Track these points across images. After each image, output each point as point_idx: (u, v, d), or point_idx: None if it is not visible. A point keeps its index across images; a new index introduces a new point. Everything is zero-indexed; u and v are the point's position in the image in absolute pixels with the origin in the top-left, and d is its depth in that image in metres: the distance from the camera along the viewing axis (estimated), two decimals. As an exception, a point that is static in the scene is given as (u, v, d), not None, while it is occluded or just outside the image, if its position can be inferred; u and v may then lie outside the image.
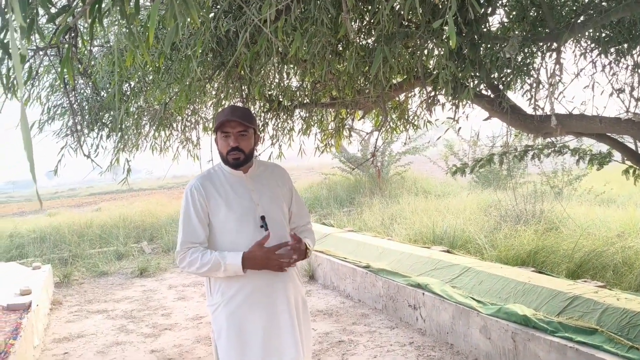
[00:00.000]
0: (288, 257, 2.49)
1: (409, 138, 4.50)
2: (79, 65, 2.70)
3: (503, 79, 3.32)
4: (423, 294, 4.89)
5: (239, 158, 2.50)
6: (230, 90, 3.13)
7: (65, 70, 1.39)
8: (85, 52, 2.88)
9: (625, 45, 3.26)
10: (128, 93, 3.26)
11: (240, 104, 3.55)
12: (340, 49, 3.33)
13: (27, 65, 2.06)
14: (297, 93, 3.96)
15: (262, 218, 2.51)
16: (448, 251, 6.17)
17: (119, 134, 3.71)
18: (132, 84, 3.38)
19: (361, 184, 13.51)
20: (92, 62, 2.81)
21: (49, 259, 9.53)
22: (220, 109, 3.09)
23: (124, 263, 9.72)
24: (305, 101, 3.98)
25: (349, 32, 2.19)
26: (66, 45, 1.66)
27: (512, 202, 7.88)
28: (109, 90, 3.17)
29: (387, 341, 4.77)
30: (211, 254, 2.45)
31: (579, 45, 3.48)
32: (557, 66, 2.94)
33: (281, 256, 2.47)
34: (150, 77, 2.93)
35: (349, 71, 2.90)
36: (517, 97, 3.52)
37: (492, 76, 3.23)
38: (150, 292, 7.56)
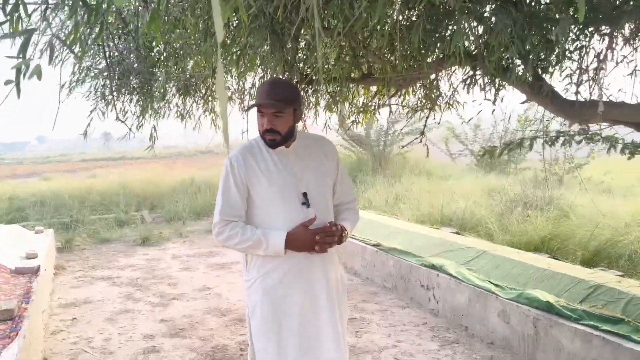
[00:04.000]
0: (330, 240, 2.38)
1: (440, 119, 4.39)
2: (122, 25, 2.60)
3: (545, 63, 3.25)
4: (437, 275, 4.87)
5: (274, 139, 2.37)
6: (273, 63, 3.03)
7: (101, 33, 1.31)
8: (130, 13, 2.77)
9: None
10: (162, 58, 3.16)
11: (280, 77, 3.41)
12: (376, 22, 3.24)
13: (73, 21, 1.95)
14: (327, 67, 3.87)
15: (304, 195, 2.39)
16: (458, 233, 6.16)
17: (145, 98, 3.61)
18: (165, 48, 3.27)
19: (363, 163, 13.46)
20: (135, 24, 2.70)
21: (50, 224, 9.43)
22: (261, 82, 2.92)
23: (126, 231, 9.64)
24: (334, 76, 3.89)
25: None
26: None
27: (515, 187, 7.88)
28: (150, 53, 3.07)
29: (399, 320, 4.77)
30: (252, 231, 2.37)
31: (621, 32, 3.41)
32: (608, 51, 2.87)
33: (324, 239, 2.35)
34: (192, 43, 2.83)
35: (384, 46, 2.81)
36: (554, 82, 3.45)
37: (538, 58, 3.16)
38: (154, 261, 7.51)
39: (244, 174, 2.41)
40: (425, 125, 3.69)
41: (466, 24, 2.97)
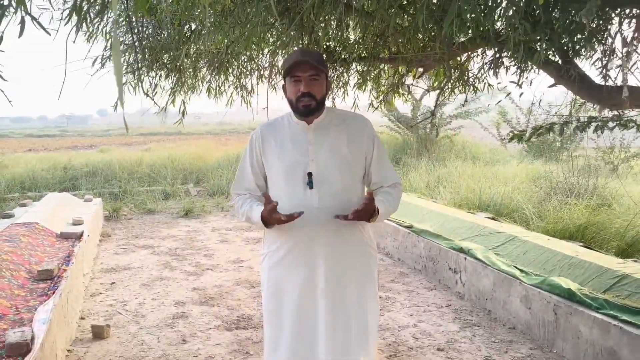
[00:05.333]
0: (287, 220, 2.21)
1: (466, 101, 4.39)
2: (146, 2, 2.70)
3: (574, 45, 3.16)
4: (465, 258, 4.86)
5: (310, 105, 2.26)
6: (291, 39, 3.08)
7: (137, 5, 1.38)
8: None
9: None
10: (189, 35, 3.26)
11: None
12: (405, 2, 3.24)
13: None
14: (356, 46, 3.88)
15: (309, 175, 2.29)
16: (493, 218, 6.08)
17: (177, 74, 3.74)
18: (194, 25, 3.37)
19: (409, 145, 13.36)
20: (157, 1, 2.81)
21: (100, 193, 9.88)
22: (287, 55, 2.82)
23: (171, 203, 10.00)
24: (363, 55, 3.91)
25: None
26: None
27: (564, 174, 7.67)
28: (171, 31, 3.18)
29: (424, 301, 4.79)
30: (244, 205, 2.38)
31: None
32: (636, 34, 2.78)
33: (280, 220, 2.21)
34: (212, 20, 2.91)
35: (415, 26, 2.80)
36: (585, 65, 3.35)
37: (563, 41, 3.08)
38: (194, 232, 7.78)
39: (260, 149, 2.41)
40: (436, 105, 3.65)
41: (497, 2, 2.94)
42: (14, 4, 1.55)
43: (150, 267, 5.97)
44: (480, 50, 3.76)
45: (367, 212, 2.25)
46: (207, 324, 4.30)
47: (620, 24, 3.04)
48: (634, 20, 2.82)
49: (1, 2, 1.54)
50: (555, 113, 11.45)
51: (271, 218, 2.23)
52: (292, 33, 2.90)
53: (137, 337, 4.04)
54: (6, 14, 1.64)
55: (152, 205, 9.54)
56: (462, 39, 3.48)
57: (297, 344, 2.32)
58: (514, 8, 2.67)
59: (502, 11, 2.79)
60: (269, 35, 3.40)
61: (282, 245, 2.37)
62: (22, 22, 1.57)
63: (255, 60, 4.15)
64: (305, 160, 2.32)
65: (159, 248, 6.83)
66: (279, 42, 3.32)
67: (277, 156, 2.36)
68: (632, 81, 3.17)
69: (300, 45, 3.22)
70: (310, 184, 2.28)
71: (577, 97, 3.53)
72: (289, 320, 2.34)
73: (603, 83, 3.17)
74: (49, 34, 1.62)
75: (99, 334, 4.02)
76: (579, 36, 3.08)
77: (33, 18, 1.56)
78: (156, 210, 9.44)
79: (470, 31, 3.22)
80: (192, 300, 4.86)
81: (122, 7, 3.18)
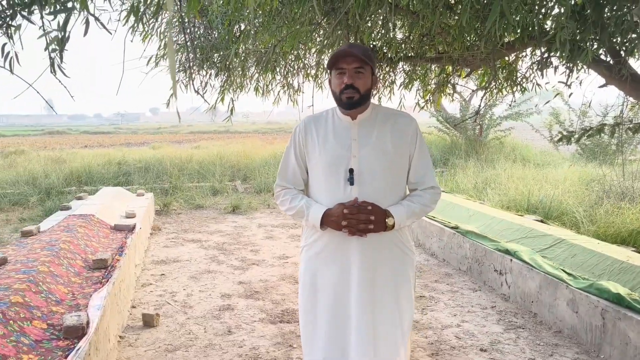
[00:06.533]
0: (364, 218, 2.21)
1: (514, 101, 4.34)
2: (198, 3, 2.81)
3: (626, 44, 3.10)
4: (511, 260, 4.80)
5: (353, 97, 2.23)
6: (337, 38, 3.13)
7: (191, 6, 1.46)
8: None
9: None
10: (238, 34, 3.36)
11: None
12: (453, 2, 3.24)
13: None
14: (403, 45, 3.90)
15: (351, 171, 2.26)
16: (542, 221, 5.98)
17: (226, 73, 3.85)
18: (243, 26, 3.47)
19: (457, 146, 13.21)
20: (209, 1, 2.91)
21: (151, 188, 10.21)
22: (331, 52, 2.84)
23: (218, 199, 10.23)
24: (410, 54, 3.92)
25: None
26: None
27: (617, 177, 7.45)
28: (221, 30, 3.29)
29: (468, 302, 4.76)
30: (300, 200, 2.36)
31: None
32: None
33: (357, 217, 2.21)
34: (260, 20, 2.99)
35: (460, 25, 2.80)
36: (639, 65, 3.28)
37: (614, 40, 3.02)
38: (241, 228, 7.94)
39: (303, 142, 2.40)
40: (480, 106, 3.62)
41: (544, 3, 2.91)
42: (77, 5, 1.66)
43: (198, 260, 6.14)
44: (529, 50, 3.72)
45: (378, 218, 2.24)
46: (252, 316, 4.40)
47: (676, 22, 2.97)
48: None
49: (66, 4, 1.65)
50: (606, 114, 11.12)
51: (338, 209, 2.23)
52: (338, 32, 2.95)
53: (185, 327, 4.18)
54: (73, 14, 1.75)
55: (200, 200, 9.80)
56: (509, 39, 3.45)
57: (330, 343, 2.31)
58: (562, 7, 2.64)
59: (549, 10, 2.75)
60: (316, 34, 3.46)
61: (319, 239, 2.36)
62: (87, 23, 1.68)
63: (302, 59, 4.23)
64: (348, 156, 2.28)
65: (206, 242, 7.01)
66: (325, 42, 3.37)
67: (319, 150, 2.34)
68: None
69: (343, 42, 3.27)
70: (350, 180, 2.26)
71: (630, 98, 3.44)
72: (323, 316, 2.33)
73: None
74: (111, 33, 1.73)
75: (149, 322, 4.18)
76: (631, 35, 3.01)
77: (96, 18, 1.67)
78: (205, 205, 9.69)
79: (516, 30, 3.20)
80: (237, 293, 4.98)
81: (176, 8, 3.31)
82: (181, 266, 5.89)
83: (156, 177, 11.21)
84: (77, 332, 2.86)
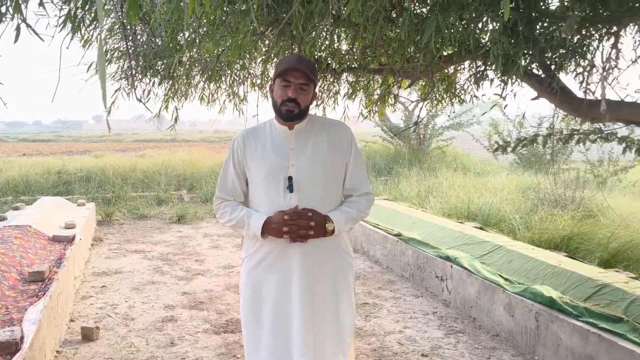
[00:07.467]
0: (304, 224, 2.26)
1: (454, 112, 4.50)
2: (140, 10, 2.79)
3: (556, 59, 3.27)
4: (451, 266, 4.94)
5: (293, 111, 2.30)
6: (281, 49, 3.17)
7: (130, 13, 1.47)
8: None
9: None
10: (182, 42, 3.35)
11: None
12: (394, 15, 3.33)
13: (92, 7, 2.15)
14: (346, 57, 3.98)
15: (289, 179, 2.31)
16: (481, 228, 6.17)
17: (170, 81, 3.82)
18: (187, 33, 3.46)
19: (401, 155, 13.49)
20: (151, 9, 2.90)
21: (93, 198, 9.93)
22: (281, 58, 2.84)
23: (163, 209, 10.06)
24: (353, 65, 4.00)
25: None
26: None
27: (551, 186, 7.78)
28: (165, 38, 3.27)
29: (410, 308, 4.86)
30: (240, 211, 2.38)
31: (639, 32, 3.39)
32: (614, 51, 2.88)
33: (297, 222, 2.25)
34: (204, 29, 2.99)
35: (400, 38, 2.89)
36: (568, 79, 3.47)
37: (545, 55, 3.19)
38: (186, 238, 7.84)
39: (242, 154, 2.43)
40: (419, 116, 3.75)
41: (479, 17, 3.04)
42: (11, 10, 1.62)
43: (141, 271, 6.02)
44: (467, 63, 3.86)
45: (317, 223, 2.29)
46: (195, 327, 4.36)
47: (600, 40, 3.16)
48: (612, 37, 2.92)
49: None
50: (541, 125, 11.61)
51: (279, 216, 2.27)
52: (282, 43, 2.99)
53: (126, 340, 4.09)
54: (3, 20, 1.71)
55: (145, 210, 9.61)
56: (447, 52, 3.58)
57: (274, 348, 2.34)
58: (496, 23, 2.76)
59: (483, 26, 2.88)
60: (261, 43, 3.49)
61: (260, 248, 2.39)
62: (18, 29, 1.65)
63: (248, 68, 4.24)
64: (286, 165, 2.34)
65: (150, 253, 6.88)
66: (270, 52, 3.40)
67: (258, 160, 2.38)
68: (612, 95, 3.28)
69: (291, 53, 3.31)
70: (290, 188, 2.31)
71: (559, 110, 3.63)
72: (266, 325, 2.35)
73: (583, 97, 3.26)
74: (43, 40, 1.71)
75: (88, 335, 4.07)
76: (560, 51, 3.18)
77: (28, 25, 1.63)
78: (149, 215, 9.50)
79: (453, 44, 3.32)
80: (181, 304, 4.92)
81: (117, 14, 3.27)
82: (123, 277, 5.77)
83: (98, 187, 10.91)
84: (10, 348, 2.76)
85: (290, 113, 2.31)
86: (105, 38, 3.38)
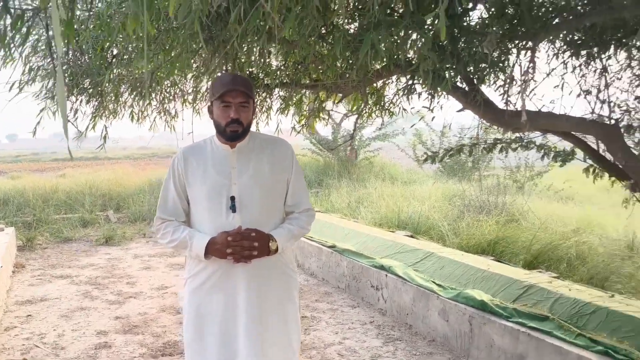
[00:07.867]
0: (247, 245, 2.25)
1: (383, 124, 4.64)
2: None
3: (478, 73, 3.45)
4: (386, 275, 5.05)
5: (237, 131, 2.29)
6: (216, 67, 3.16)
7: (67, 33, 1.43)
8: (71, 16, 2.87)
9: (595, 49, 3.43)
10: (110, 60, 3.27)
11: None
12: (324, 31, 3.40)
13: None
14: (279, 72, 4.01)
15: (232, 198, 2.30)
16: (412, 236, 6.36)
17: (98, 99, 3.72)
18: (115, 51, 3.38)
19: (330, 167, 13.66)
20: (81, 26, 2.82)
21: (12, 222, 9.39)
22: (215, 77, 2.86)
23: (89, 230, 9.66)
24: (285, 81, 4.04)
25: (341, 13, 2.25)
26: (59, 6, 1.69)
27: (476, 192, 8.13)
28: (92, 56, 3.18)
29: (348, 319, 4.93)
30: (182, 232, 2.34)
31: (552, 46, 3.64)
32: (531, 64, 3.08)
33: (240, 243, 2.24)
34: (134, 45, 2.94)
35: (333, 55, 2.96)
36: (490, 91, 3.66)
37: (469, 69, 3.35)
38: (115, 260, 7.56)
39: (182, 173, 2.39)
40: (354, 130, 3.85)
41: (408, 34, 3.16)
42: None
43: (69, 297, 5.75)
44: (395, 77, 4.00)
45: (262, 243, 2.29)
46: (131, 352, 4.22)
47: (518, 54, 3.36)
48: (529, 52, 3.12)
49: None
50: (464, 135, 12.12)
51: (222, 237, 2.25)
52: (216, 60, 2.98)
53: (57, 370, 3.91)
54: None
55: (69, 233, 9.19)
56: (377, 67, 3.69)
57: None
58: (423, 40, 2.89)
59: (412, 42, 3.00)
60: (193, 61, 3.46)
61: (204, 268, 2.36)
62: None
63: (179, 85, 4.19)
64: (228, 184, 2.32)
65: (77, 277, 6.59)
66: (203, 69, 3.38)
67: (200, 179, 2.35)
68: (531, 106, 3.50)
69: (224, 71, 3.31)
70: (232, 208, 2.30)
71: (483, 120, 3.82)
72: (210, 345, 2.33)
73: (505, 108, 3.46)
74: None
75: (15, 368, 3.86)
76: (482, 65, 3.36)
77: None
78: (74, 238, 9.10)
79: (384, 60, 3.44)
80: (115, 329, 4.75)
81: (41, 31, 3.16)
82: (50, 305, 5.49)
83: (17, 210, 10.32)
84: None
85: (236, 133, 2.31)
86: (29, 56, 3.25)
